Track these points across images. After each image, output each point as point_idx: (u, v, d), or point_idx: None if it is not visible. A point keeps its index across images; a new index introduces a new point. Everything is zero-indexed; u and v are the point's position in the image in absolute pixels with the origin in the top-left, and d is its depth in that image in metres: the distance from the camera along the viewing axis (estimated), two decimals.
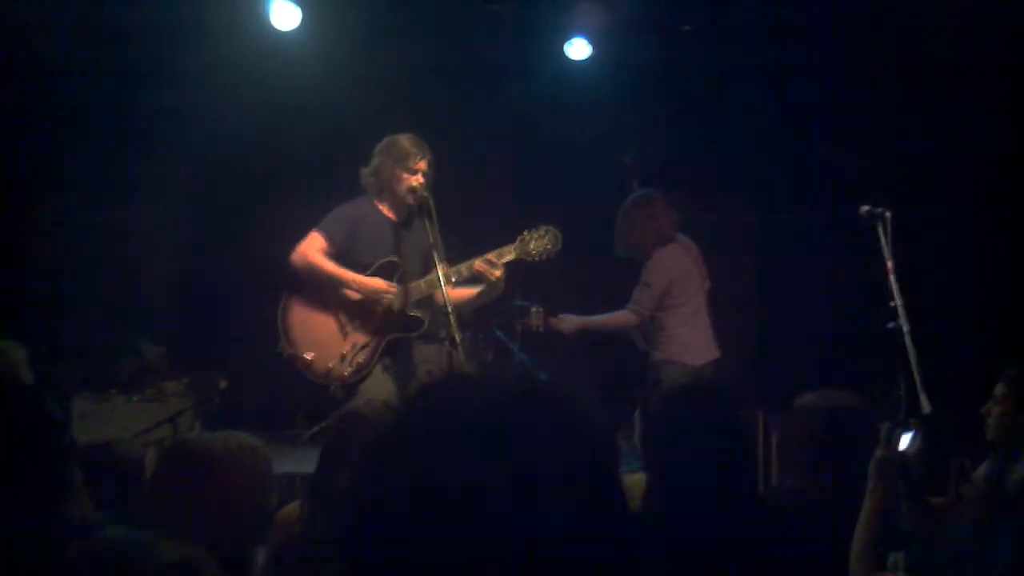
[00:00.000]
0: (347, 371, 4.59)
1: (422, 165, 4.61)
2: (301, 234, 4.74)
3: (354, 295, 4.62)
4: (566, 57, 6.47)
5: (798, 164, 6.54)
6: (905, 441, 2.85)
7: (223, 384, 6.12)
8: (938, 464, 3.75)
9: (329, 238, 4.68)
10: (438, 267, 4.37)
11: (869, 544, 2.69)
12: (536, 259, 4.55)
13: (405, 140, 4.65)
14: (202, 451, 2.23)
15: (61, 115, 6.53)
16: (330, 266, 4.63)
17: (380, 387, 4.49)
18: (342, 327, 4.64)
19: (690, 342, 5.36)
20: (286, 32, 5.96)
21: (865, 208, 4.78)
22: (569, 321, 5.40)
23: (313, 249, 4.66)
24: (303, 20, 5.92)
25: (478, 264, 4.50)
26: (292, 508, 2.95)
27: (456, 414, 1.03)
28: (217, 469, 2.18)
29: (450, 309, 4.26)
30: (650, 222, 5.36)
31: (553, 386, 1.09)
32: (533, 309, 5.44)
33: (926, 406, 4.46)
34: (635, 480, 2.67)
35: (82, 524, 1.73)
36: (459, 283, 4.60)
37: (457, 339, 4.27)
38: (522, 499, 0.97)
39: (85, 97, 6.47)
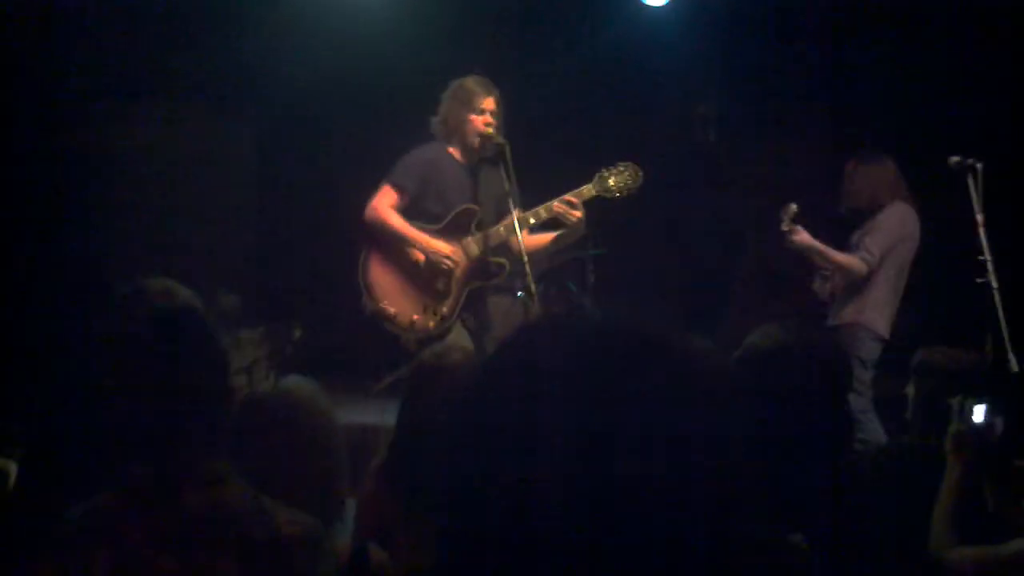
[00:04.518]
0: (431, 323, 4.49)
1: (488, 104, 4.49)
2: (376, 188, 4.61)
3: (419, 255, 4.51)
4: (640, 2, 6.37)
5: (883, 113, 6.33)
6: (980, 413, 2.76)
7: (298, 333, 6.14)
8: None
9: (400, 190, 4.54)
10: (513, 212, 4.29)
11: (949, 521, 2.62)
12: (616, 196, 4.41)
13: (469, 81, 4.54)
14: (272, 402, 2.23)
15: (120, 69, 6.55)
16: (398, 223, 4.50)
17: (458, 339, 4.44)
18: (423, 278, 4.52)
19: (888, 312, 5.00)
20: None
21: (955, 159, 4.61)
22: (806, 237, 4.92)
23: (384, 205, 4.53)
24: None
25: (556, 205, 4.37)
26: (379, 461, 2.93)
27: (558, 356, 0.98)
28: (289, 418, 2.18)
29: (526, 258, 4.18)
30: (887, 174, 5.04)
31: (664, 333, 1.04)
32: (793, 206, 4.90)
33: (1014, 365, 4.34)
34: None
35: (213, 476, 1.71)
36: (537, 227, 4.50)
37: (532, 289, 4.20)
38: (632, 442, 0.93)
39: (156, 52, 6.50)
